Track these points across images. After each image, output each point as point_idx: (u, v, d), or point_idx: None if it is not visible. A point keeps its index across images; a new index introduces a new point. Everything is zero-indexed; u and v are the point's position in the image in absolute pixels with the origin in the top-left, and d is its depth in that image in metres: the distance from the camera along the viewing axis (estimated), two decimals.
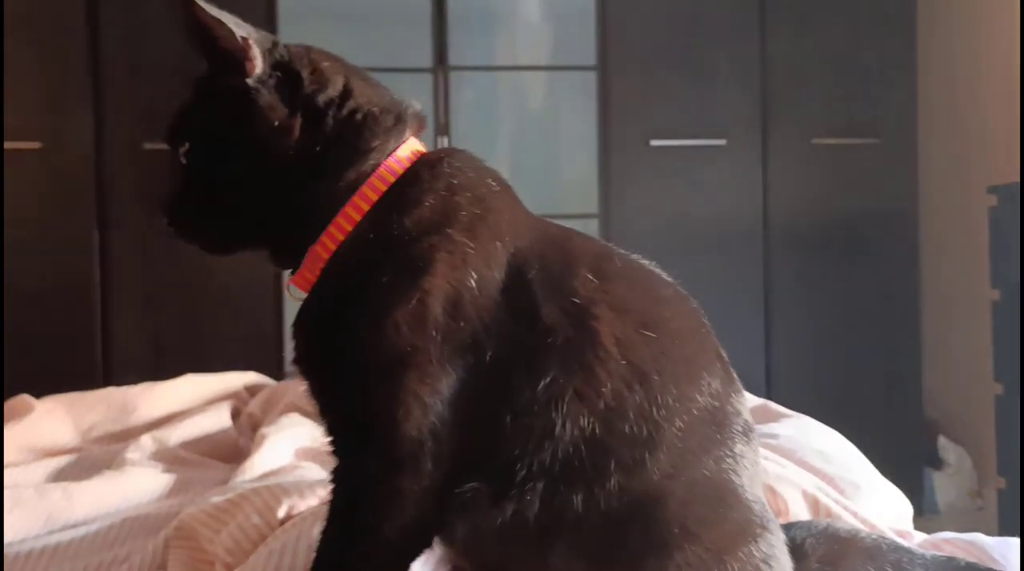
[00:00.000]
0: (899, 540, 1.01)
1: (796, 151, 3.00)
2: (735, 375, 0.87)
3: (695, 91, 2.95)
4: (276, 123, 0.82)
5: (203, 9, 0.80)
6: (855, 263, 3.01)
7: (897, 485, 1.37)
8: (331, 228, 0.81)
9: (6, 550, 1.11)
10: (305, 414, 1.62)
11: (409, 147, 0.85)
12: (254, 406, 1.79)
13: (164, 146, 0.86)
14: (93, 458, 1.53)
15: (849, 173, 3.01)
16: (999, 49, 2.93)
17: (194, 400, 1.79)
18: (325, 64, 0.86)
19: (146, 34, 2.70)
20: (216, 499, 1.09)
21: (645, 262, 0.88)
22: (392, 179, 0.82)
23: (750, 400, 1.47)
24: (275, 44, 0.85)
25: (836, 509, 1.14)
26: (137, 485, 1.33)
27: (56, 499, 1.24)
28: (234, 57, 0.82)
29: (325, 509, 0.82)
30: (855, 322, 3.00)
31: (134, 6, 2.73)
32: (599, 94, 2.89)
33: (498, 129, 2.96)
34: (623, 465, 0.77)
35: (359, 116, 0.84)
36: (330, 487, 0.82)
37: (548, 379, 0.77)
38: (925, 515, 2.89)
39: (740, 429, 0.84)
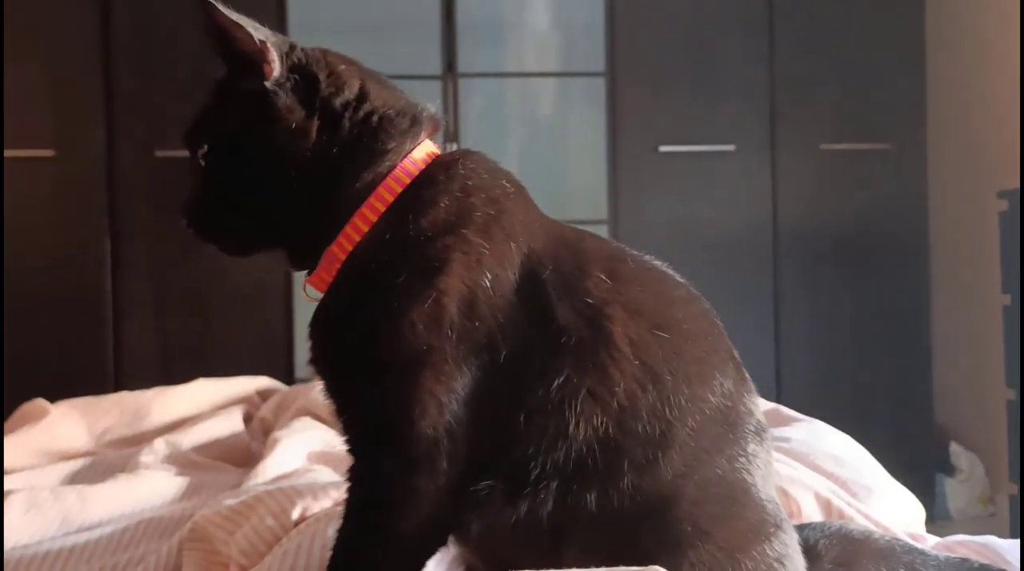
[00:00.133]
0: (912, 542, 1.01)
1: (805, 156, 2.99)
2: (748, 376, 0.88)
3: (704, 97, 2.95)
4: (294, 125, 0.83)
5: (222, 12, 0.81)
6: (865, 268, 3.00)
7: (909, 491, 1.37)
8: (347, 229, 0.82)
9: (23, 552, 1.12)
10: (317, 418, 1.63)
11: (424, 149, 0.86)
12: (266, 410, 1.80)
13: (176, 154, 0.87)
14: (107, 462, 1.54)
15: (859, 178, 3.00)
16: (1008, 54, 2.92)
17: (206, 405, 1.80)
18: (342, 67, 0.87)
19: (158, 42, 2.73)
20: (230, 501, 1.10)
21: (658, 263, 0.89)
22: (408, 181, 0.83)
23: (761, 404, 1.47)
24: (292, 47, 0.86)
25: (849, 511, 1.14)
26: (151, 488, 1.34)
27: (71, 502, 1.26)
28: (252, 60, 0.83)
29: (339, 510, 0.83)
30: (865, 327, 2.99)
31: (146, 14, 2.75)
32: (608, 100, 2.89)
33: (507, 136, 2.97)
34: (636, 464, 0.78)
35: (375, 118, 0.85)
36: (346, 486, 0.83)
37: (562, 379, 0.78)
38: (937, 522, 2.87)
39: (753, 429, 0.85)
